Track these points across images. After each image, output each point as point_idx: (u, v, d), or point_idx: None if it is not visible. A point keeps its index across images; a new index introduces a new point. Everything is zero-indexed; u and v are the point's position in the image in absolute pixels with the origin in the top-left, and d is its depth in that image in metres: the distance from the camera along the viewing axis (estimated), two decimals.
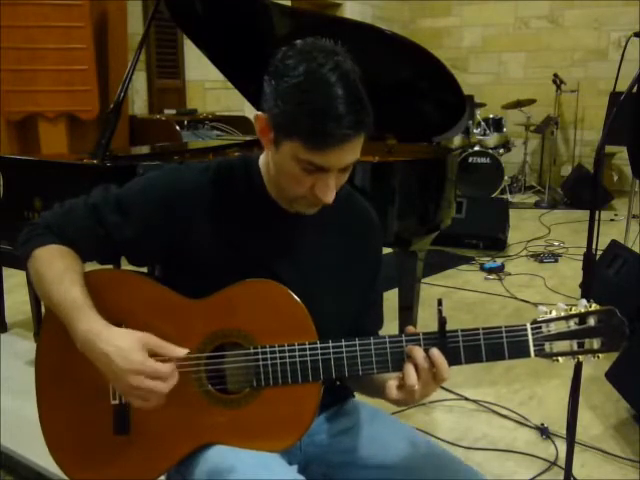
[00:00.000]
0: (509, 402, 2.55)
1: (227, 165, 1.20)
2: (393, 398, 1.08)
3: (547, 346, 1.05)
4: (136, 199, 1.16)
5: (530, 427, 2.37)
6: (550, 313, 1.06)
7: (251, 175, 1.17)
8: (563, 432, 1.89)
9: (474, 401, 2.55)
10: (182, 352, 1.06)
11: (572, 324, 1.05)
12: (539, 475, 2.07)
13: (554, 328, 1.05)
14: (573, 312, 1.06)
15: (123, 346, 1.02)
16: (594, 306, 1.06)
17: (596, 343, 1.05)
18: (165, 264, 1.22)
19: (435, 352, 1.05)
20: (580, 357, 1.06)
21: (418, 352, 1.06)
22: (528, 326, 1.06)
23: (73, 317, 1.05)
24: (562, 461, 1.94)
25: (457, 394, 2.60)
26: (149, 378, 1.02)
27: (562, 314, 1.06)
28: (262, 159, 1.17)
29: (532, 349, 1.05)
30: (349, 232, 1.23)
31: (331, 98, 0.97)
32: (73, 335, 1.06)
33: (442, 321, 1.06)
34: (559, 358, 1.05)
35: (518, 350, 1.06)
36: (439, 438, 2.27)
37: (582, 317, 1.05)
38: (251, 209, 1.17)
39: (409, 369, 1.06)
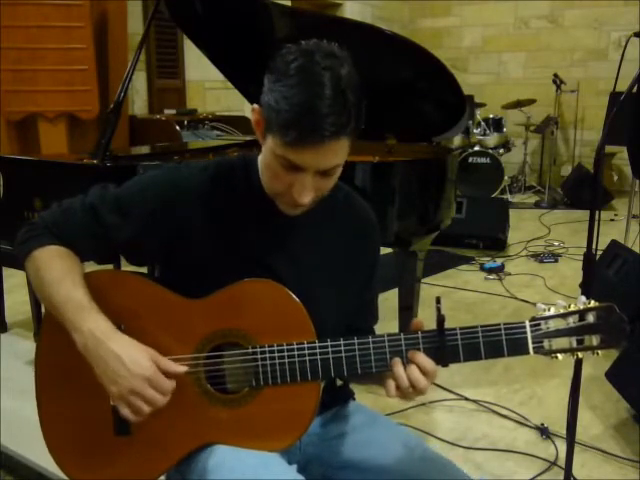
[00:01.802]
0: (509, 402, 2.55)
1: (227, 164, 1.20)
2: (392, 396, 1.08)
3: (546, 343, 1.05)
4: (135, 198, 1.16)
5: (530, 427, 2.37)
6: (549, 310, 1.06)
7: (250, 174, 1.17)
8: (563, 432, 1.89)
9: (474, 401, 2.55)
10: (182, 369, 1.07)
11: (571, 321, 1.05)
12: (539, 475, 2.07)
13: (553, 325, 1.05)
14: (572, 309, 1.05)
15: (135, 352, 1.04)
16: (593, 303, 1.05)
17: (595, 340, 1.04)
18: (164, 264, 1.22)
19: (418, 359, 1.06)
20: (579, 354, 1.05)
21: (398, 365, 1.07)
22: (527, 323, 1.06)
23: (78, 317, 1.05)
24: (562, 461, 1.94)
25: (457, 394, 2.60)
26: (152, 388, 1.02)
27: (561, 311, 1.06)
28: (261, 158, 1.17)
29: (531, 346, 1.05)
30: (347, 231, 1.23)
31: (315, 96, 0.96)
32: (75, 334, 1.05)
33: (441, 319, 1.06)
34: (558, 355, 1.05)
35: (517, 347, 1.06)
36: (439, 438, 2.27)
37: (581, 314, 1.05)
38: (250, 208, 1.17)
39: (399, 371, 1.06)
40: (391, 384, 1.07)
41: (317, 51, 1.01)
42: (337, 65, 0.99)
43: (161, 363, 1.05)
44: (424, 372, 1.06)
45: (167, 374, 1.05)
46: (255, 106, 1.07)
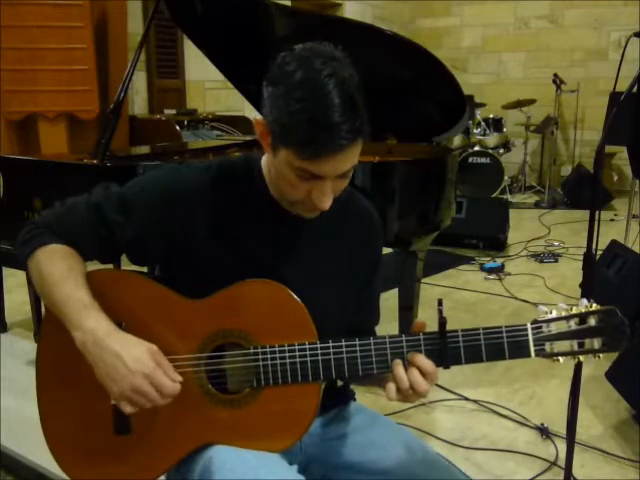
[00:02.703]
0: (509, 402, 2.55)
1: (229, 165, 1.20)
2: (393, 399, 1.08)
3: (548, 346, 1.05)
4: (137, 198, 1.16)
5: (530, 427, 2.37)
6: (550, 313, 1.06)
7: (253, 175, 1.17)
8: (563, 432, 1.89)
9: (474, 401, 2.56)
10: (178, 378, 1.06)
11: (573, 324, 1.05)
12: (539, 475, 2.08)
13: (554, 328, 1.05)
14: (574, 312, 1.05)
15: (136, 350, 1.03)
16: (595, 306, 1.05)
17: (597, 343, 1.04)
18: (166, 264, 1.21)
19: (418, 361, 1.06)
20: (581, 357, 1.05)
21: (399, 367, 1.06)
22: (528, 326, 1.06)
23: (79, 315, 1.05)
24: (562, 461, 1.94)
25: (457, 394, 2.60)
26: (152, 387, 1.02)
27: (563, 314, 1.05)
28: (264, 160, 1.17)
29: (532, 349, 1.05)
30: (350, 231, 1.23)
31: (326, 107, 0.96)
32: (75, 333, 1.05)
33: (442, 321, 1.06)
34: (559, 358, 1.05)
35: (518, 350, 1.06)
36: (439, 438, 2.27)
37: (583, 317, 1.05)
38: (253, 209, 1.17)
39: (400, 373, 1.06)
40: (391, 387, 1.07)
41: (316, 57, 0.99)
42: (339, 69, 0.99)
43: (162, 363, 1.05)
44: (424, 374, 1.05)
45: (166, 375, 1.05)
46: (258, 118, 1.07)
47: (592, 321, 1.04)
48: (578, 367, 1.71)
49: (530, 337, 1.05)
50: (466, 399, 2.57)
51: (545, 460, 2.15)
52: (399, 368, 1.06)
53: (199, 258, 1.14)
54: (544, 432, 2.30)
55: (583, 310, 1.05)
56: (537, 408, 2.52)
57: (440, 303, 1.07)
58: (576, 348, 1.05)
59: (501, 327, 1.06)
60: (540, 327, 1.05)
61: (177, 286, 1.13)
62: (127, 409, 1.04)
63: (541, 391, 2.67)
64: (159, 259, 1.23)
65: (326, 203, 1.06)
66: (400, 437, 1.22)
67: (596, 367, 2.64)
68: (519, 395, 2.63)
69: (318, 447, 1.22)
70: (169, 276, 1.19)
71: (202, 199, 1.15)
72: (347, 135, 0.97)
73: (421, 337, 1.07)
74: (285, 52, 1.03)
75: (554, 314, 1.06)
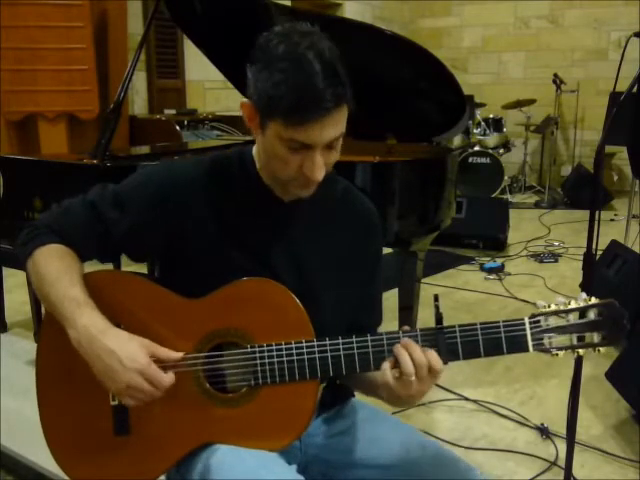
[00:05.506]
0: (509, 402, 2.55)
1: (223, 157, 1.22)
2: (388, 382, 1.05)
3: (546, 340, 1.04)
4: (132, 194, 1.17)
5: (530, 427, 2.37)
6: (549, 307, 1.05)
7: (246, 165, 1.18)
8: (563, 432, 1.89)
9: (474, 401, 2.55)
10: (177, 355, 1.07)
11: (571, 318, 1.04)
12: (539, 475, 2.08)
13: (553, 322, 1.04)
14: (572, 306, 1.04)
15: (129, 346, 1.04)
16: (593, 299, 1.04)
17: (596, 336, 1.03)
18: (164, 259, 1.22)
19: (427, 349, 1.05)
20: (580, 351, 1.04)
21: (413, 346, 1.05)
22: (526, 320, 1.05)
23: (74, 313, 1.05)
24: (562, 461, 1.94)
25: (457, 394, 2.60)
26: (148, 382, 1.03)
27: (561, 308, 1.04)
28: (255, 149, 1.18)
29: (530, 343, 1.04)
30: (347, 225, 1.23)
31: (308, 75, 0.99)
32: (70, 331, 1.06)
33: (439, 316, 1.06)
34: (559, 352, 1.04)
35: (516, 344, 1.05)
36: (439, 438, 2.27)
37: (582, 311, 1.04)
38: (247, 199, 1.17)
39: (405, 357, 1.03)
40: (387, 365, 1.05)
41: (294, 32, 1.03)
42: (317, 41, 1.02)
43: (157, 352, 1.06)
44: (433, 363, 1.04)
45: (164, 362, 1.06)
46: (244, 101, 1.10)
47: (591, 315, 1.04)
48: (578, 367, 1.71)
49: (528, 331, 1.04)
50: (466, 399, 2.57)
51: (545, 460, 2.15)
52: (405, 355, 1.04)
53: (196, 250, 1.15)
54: (544, 432, 2.30)
55: (582, 304, 1.04)
56: (537, 408, 2.52)
57: (436, 299, 1.06)
58: (575, 342, 1.04)
59: (498, 322, 1.06)
60: (538, 321, 1.04)
61: (175, 284, 1.13)
62: (130, 402, 1.05)
63: (541, 391, 2.66)
64: (157, 255, 1.23)
65: (318, 174, 1.06)
66: (402, 431, 1.22)
67: (596, 367, 2.64)
68: (519, 395, 2.63)
69: (319, 446, 1.22)
70: (168, 274, 1.19)
71: (197, 191, 1.16)
72: (332, 98, 0.99)
73: (418, 333, 1.07)
74: (266, 33, 1.06)
75: (552, 308, 1.05)
